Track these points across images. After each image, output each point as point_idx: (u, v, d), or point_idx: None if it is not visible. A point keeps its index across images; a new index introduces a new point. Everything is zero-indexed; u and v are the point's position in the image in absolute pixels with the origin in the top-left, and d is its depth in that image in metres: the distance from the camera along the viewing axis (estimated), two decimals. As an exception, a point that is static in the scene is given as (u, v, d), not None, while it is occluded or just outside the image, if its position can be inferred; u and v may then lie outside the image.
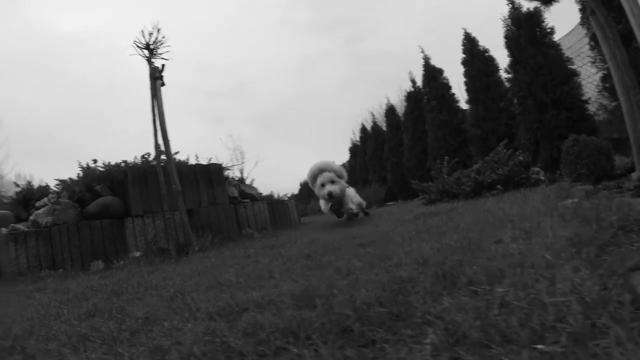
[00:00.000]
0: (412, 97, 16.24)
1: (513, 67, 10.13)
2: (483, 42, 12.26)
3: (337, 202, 6.36)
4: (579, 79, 9.42)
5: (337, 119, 49.04)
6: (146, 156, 7.84)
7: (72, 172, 8.12)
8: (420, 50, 14.79)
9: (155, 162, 6.62)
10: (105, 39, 44.14)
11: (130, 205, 6.88)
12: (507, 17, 10.25)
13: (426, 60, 14.74)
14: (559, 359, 0.98)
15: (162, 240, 6.66)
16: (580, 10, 8.00)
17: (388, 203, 15.83)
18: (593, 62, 8.32)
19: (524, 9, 9.90)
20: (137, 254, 6.28)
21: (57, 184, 7.82)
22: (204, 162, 8.50)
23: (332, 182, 6.19)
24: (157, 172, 6.36)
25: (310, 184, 6.61)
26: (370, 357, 1.21)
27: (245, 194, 8.89)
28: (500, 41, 10.41)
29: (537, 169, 8.15)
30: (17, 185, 9.01)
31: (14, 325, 2.44)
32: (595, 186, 4.56)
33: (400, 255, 2.52)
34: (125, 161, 7.69)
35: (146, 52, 6.48)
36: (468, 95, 12.18)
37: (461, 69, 12.38)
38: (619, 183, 4.49)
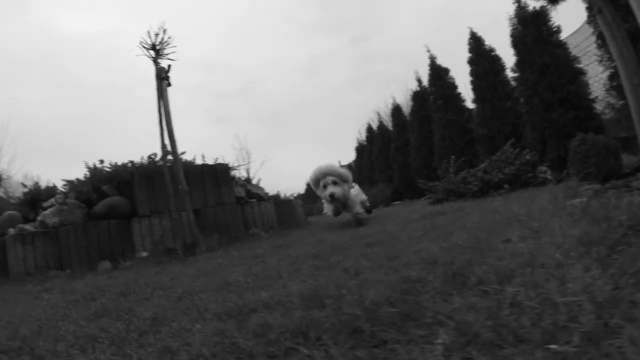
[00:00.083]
0: (418, 97, 16.26)
1: (519, 66, 10.11)
2: (489, 42, 12.30)
3: (339, 204, 6.32)
4: (586, 78, 9.39)
5: (344, 118, 49.14)
6: (153, 156, 7.86)
7: (79, 173, 8.15)
8: (426, 49, 14.81)
9: (161, 162, 6.63)
10: (113, 40, 44.34)
11: (137, 205, 6.89)
12: (513, 16, 10.24)
13: (432, 59, 14.74)
14: (572, 359, 0.97)
15: (169, 240, 6.67)
16: (587, 8, 7.96)
17: (394, 202, 15.82)
18: (600, 61, 8.29)
19: (530, 8, 9.90)
20: (144, 254, 6.30)
21: (64, 185, 7.85)
22: (210, 162, 8.52)
23: (335, 183, 6.15)
24: (164, 172, 6.38)
25: (313, 187, 6.58)
26: (382, 358, 1.20)
27: (251, 193, 8.89)
28: (507, 40, 10.41)
29: (544, 168, 8.13)
30: (24, 185, 9.03)
31: (22, 326, 2.45)
32: (603, 185, 4.53)
33: (408, 255, 2.51)
34: (131, 161, 7.72)
35: (152, 52, 6.50)
36: (474, 94, 12.17)
37: (467, 69, 12.40)
38: (627, 182, 4.46)
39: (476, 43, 12.24)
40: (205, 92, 48.10)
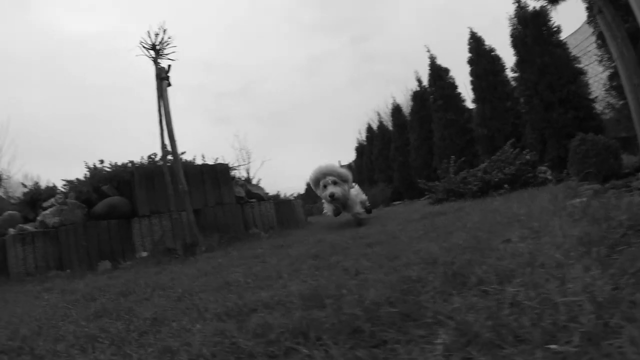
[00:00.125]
0: (418, 97, 16.26)
1: (519, 66, 10.11)
2: (489, 42, 12.30)
3: (339, 204, 6.31)
4: (586, 78, 9.39)
5: (344, 118, 49.13)
6: (153, 156, 7.86)
7: (79, 173, 8.15)
8: (426, 49, 14.80)
9: (161, 162, 6.63)
10: (113, 40, 44.29)
11: (137, 205, 6.89)
12: (513, 16, 10.24)
13: (432, 59, 14.74)
14: (573, 359, 0.97)
15: (169, 240, 6.67)
16: (587, 8, 7.96)
17: (394, 202, 15.82)
18: (600, 61, 8.29)
19: (530, 8, 9.89)
20: (144, 254, 6.30)
21: (64, 185, 7.85)
22: (210, 162, 8.52)
23: (335, 183, 6.14)
24: (164, 172, 6.38)
25: (313, 187, 6.57)
26: (382, 358, 1.20)
27: (252, 193, 8.90)
28: (507, 40, 10.41)
29: (544, 168, 8.13)
30: (24, 185, 9.02)
31: (22, 326, 2.45)
32: (603, 185, 4.53)
33: (408, 255, 2.51)
34: (132, 161, 7.72)
35: (152, 52, 6.50)
36: (474, 94, 12.16)
37: (467, 69, 12.40)
38: (627, 182, 4.46)
39: (476, 43, 12.23)
40: (205, 92, 48.13)
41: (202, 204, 7.38)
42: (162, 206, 6.85)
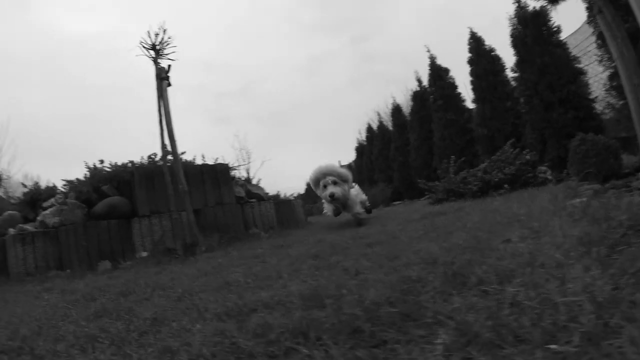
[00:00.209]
0: (418, 97, 16.26)
1: (519, 66, 10.11)
2: (489, 42, 12.30)
3: (339, 204, 6.31)
4: (586, 78, 9.39)
5: (344, 118, 49.11)
6: (153, 156, 7.86)
7: (79, 173, 8.15)
8: (426, 49, 14.80)
9: (161, 162, 6.63)
10: (113, 40, 44.28)
11: (137, 205, 6.89)
12: (513, 16, 10.24)
13: (432, 59, 14.75)
14: (573, 359, 0.97)
15: (169, 240, 6.67)
16: (587, 8, 7.96)
17: (394, 202, 15.82)
18: (600, 61, 8.28)
19: (530, 8, 9.89)
20: (144, 254, 6.30)
21: (64, 185, 7.85)
22: (210, 162, 8.52)
23: (335, 183, 6.14)
24: (164, 172, 6.38)
25: (313, 187, 6.57)
26: (382, 358, 1.20)
27: (252, 193, 8.89)
28: (507, 40, 10.41)
29: (544, 168, 8.13)
30: (24, 185, 9.02)
31: (22, 326, 2.45)
32: (603, 185, 4.53)
33: (408, 255, 2.51)
34: (132, 161, 7.72)
35: (152, 52, 6.49)
36: (474, 94, 12.17)
37: (467, 69, 12.40)
38: (627, 182, 4.46)
39: (476, 43, 12.23)
40: (206, 92, 48.13)
41: (202, 204, 7.38)
42: (162, 206, 6.85)
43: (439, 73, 14.51)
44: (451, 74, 14.51)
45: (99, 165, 7.79)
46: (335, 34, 59.71)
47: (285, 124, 48.82)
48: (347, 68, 52.50)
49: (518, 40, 10.03)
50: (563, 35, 9.81)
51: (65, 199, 7.16)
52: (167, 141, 6.41)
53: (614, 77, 7.66)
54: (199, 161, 8.48)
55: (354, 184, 6.93)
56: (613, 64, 7.14)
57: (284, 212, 8.90)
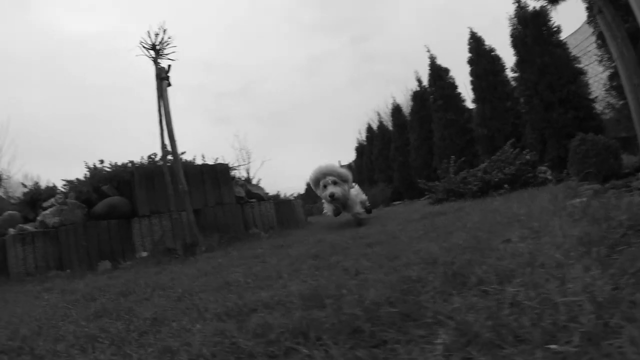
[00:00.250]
0: (418, 97, 16.26)
1: (519, 66, 10.11)
2: (489, 42, 12.29)
3: (339, 204, 6.30)
4: (586, 78, 9.39)
5: (344, 118, 49.11)
6: (153, 156, 7.86)
7: (79, 173, 8.15)
8: (426, 49, 14.80)
9: (161, 163, 6.63)
10: (113, 40, 44.27)
11: (137, 205, 6.89)
12: (513, 16, 10.23)
13: (432, 59, 14.75)
14: (573, 359, 0.97)
15: (169, 240, 6.67)
16: (587, 8, 7.96)
17: (394, 202, 15.82)
18: (600, 61, 8.28)
19: (530, 8, 9.89)
20: (144, 254, 6.30)
21: (64, 185, 7.85)
22: (210, 162, 8.51)
23: (335, 183, 6.13)
24: (164, 173, 6.38)
25: (313, 187, 6.56)
26: (382, 358, 1.20)
27: (252, 193, 8.89)
28: (507, 40, 10.40)
29: (544, 168, 8.13)
30: (24, 186, 9.03)
31: (22, 326, 2.45)
32: (603, 185, 4.53)
33: (408, 255, 2.51)
34: (131, 161, 7.72)
35: (152, 52, 6.50)
36: (474, 94, 12.17)
37: (467, 69, 12.40)
38: (627, 182, 4.46)
39: (476, 43, 12.23)
40: (206, 92, 48.12)
41: (202, 204, 7.38)
42: (162, 206, 6.85)
43: (439, 73, 14.51)
44: (451, 74, 14.53)
45: (99, 165, 7.79)
46: (335, 34, 59.78)
47: (285, 124, 48.86)
48: (347, 68, 52.55)
49: (518, 40, 10.03)
50: (563, 35, 9.82)
51: (65, 199, 7.16)
52: (167, 141, 6.41)
53: (614, 77, 7.66)
54: (199, 161, 8.49)
55: (354, 184, 6.92)
56: (613, 64, 7.14)
57: (284, 212, 8.90)
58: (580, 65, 9.51)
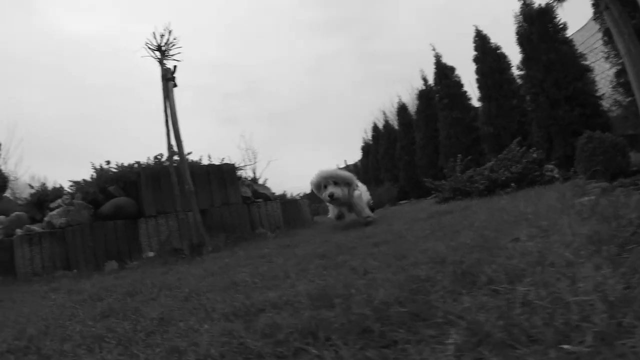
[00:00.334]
0: (424, 96, 16.24)
1: (525, 63, 10.08)
2: (495, 39, 12.25)
3: (338, 204, 6.28)
4: (593, 75, 9.35)
5: (350, 118, 49.06)
6: (159, 157, 7.87)
7: (79, 173, 8.17)
8: (432, 48, 14.80)
9: (168, 163, 6.64)
10: (113, 40, 44.44)
11: (143, 205, 6.91)
12: (518, 14, 10.20)
13: (437, 58, 14.73)
14: (586, 359, 0.96)
15: (176, 240, 6.68)
16: (593, 5, 7.94)
17: (401, 202, 15.80)
18: (607, 58, 8.25)
19: (536, 5, 9.87)
20: (151, 254, 6.31)
21: (71, 186, 7.87)
22: (216, 162, 8.53)
23: (335, 184, 6.11)
24: (170, 173, 6.38)
25: (315, 191, 6.53)
26: (392, 358, 1.19)
27: (258, 193, 8.89)
28: (512, 38, 10.37)
29: (551, 166, 8.10)
30: (31, 187, 9.09)
31: (29, 326, 2.45)
32: (611, 183, 4.51)
33: (416, 254, 2.49)
34: (138, 162, 7.74)
35: (158, 53, 6.51)
36: (480, 92, 12.14)
37: (473, 67, 12.38)
38: (635, 180, 4.44)
39: (481, 41, 12.20)
40: (213, 93, 48.21)
41: (209, 204, 7.38)
42: (168, 206, 6.86)
43: (444, 72, 14.49)
44: (457, 72, 14.52)
45: (105, 166, 7.81)
46: (340, 34, 59.68)
47: (292, 124, 48.92)
48: (352, 67, 52.50)
49: (524, 38, 10.00)
50: (569, 32, 9.79)
51: (72, 199, 7.18)
52: (173, 141, 6.42)
53: (621, 73, 7.64)
54: (205, 161, 8.51)
55: (359, 183, 6.89)
56: (620, 61, 7.11)
57: (290, 211, 8.90)
58: (587, 62, 9.47)
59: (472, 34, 12.42)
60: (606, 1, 5.44)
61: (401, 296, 1.63)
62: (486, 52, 12.05)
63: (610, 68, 8.40)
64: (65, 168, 27.41)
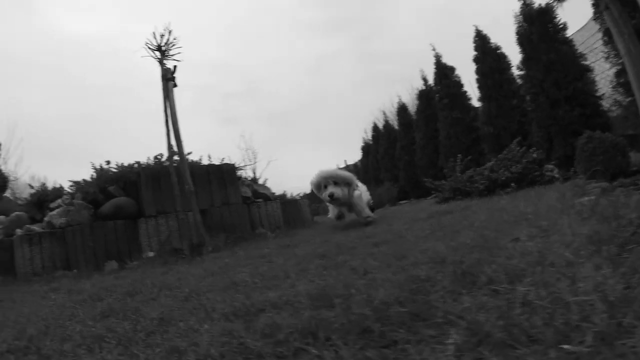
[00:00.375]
0: (424, 96, 16.24)
1: (525, 63, 10.08)
2: (495, 39, 12.24)
3: (338, 204, 6.27)
4: (593, 75, 9.36)
5: (350, 118, 49.05)
6: (159, 157, 7.87)
7: (79, 173, 8.18)
8: (432, 48, 14.80)
9: (168, 163, 6.64)
10: (113, 40, 44.43)
11: (143, 206, 6.91)
12: (518, 14, 10.20)
13: (437, 58, 14.74)
14: (586, 359, 0.96)
15: (176, 240, 6.68)
16: (593, 5, 7.94)
17: (400, 202, 15.80)
18: (607, 58, 8.25)
19: (536, 5, 9.87)
20: (151, 254, 6.31)
21: (71, 186, 7.87)
22: (216, 162, 8.53)
23: (335, 184, 6.10)
24: (170, 173, 6.38)
25: (315, 192, 6.53)
26: (392, 358, 1.19)
27: (258, 193, 8.89)
28: (512, 38, 10.37)
29: (551, 166, 8.10)
30: (31, 187, 9.09)
31: (29, 326, 2.45)
32: (611, 183, 4.51)
33: (416, 254, 2.49)
34: (138, 162, 7.74)
35: (158, 53, 6.50)
36: (480, 92, 12.15)
37: (473, 67, 12.37)
38: (635, 180, 4.44)
39: (481, 41, 12.20)
40: (213, 93, 48.19)
41: (209, 204, 7.38)
42: (168, 206, 6.86)
43: (444, 72, 14.49)
44: (457, 72, 14.53)
45: (105, 166, 7.81)
46: (340, 34, 59.69)
47: (292, 124, 48.91)
48: (354, 67, 52.48)
49: (524, 38, 10.00)
50: (569, 32, 9.79)
51: (72, 199, 7.18)
52: (173, 141, 6.42)
53: (621, 73, 7.64)
54: (205, 161, 8.51)
55: (359, 183, 6.88)
56: (620, 61, 7.11)
57: (290, 211, 8.89)
58: (587, 62, 9.48)
59: (472, 34, 12.45)
60: (606, 1, 5.45)
61: (401, 296, 1.63)
62: (486, 52, 12.05)
63: (610, 68, 8.40)
64: (65, 168, 27.41)
